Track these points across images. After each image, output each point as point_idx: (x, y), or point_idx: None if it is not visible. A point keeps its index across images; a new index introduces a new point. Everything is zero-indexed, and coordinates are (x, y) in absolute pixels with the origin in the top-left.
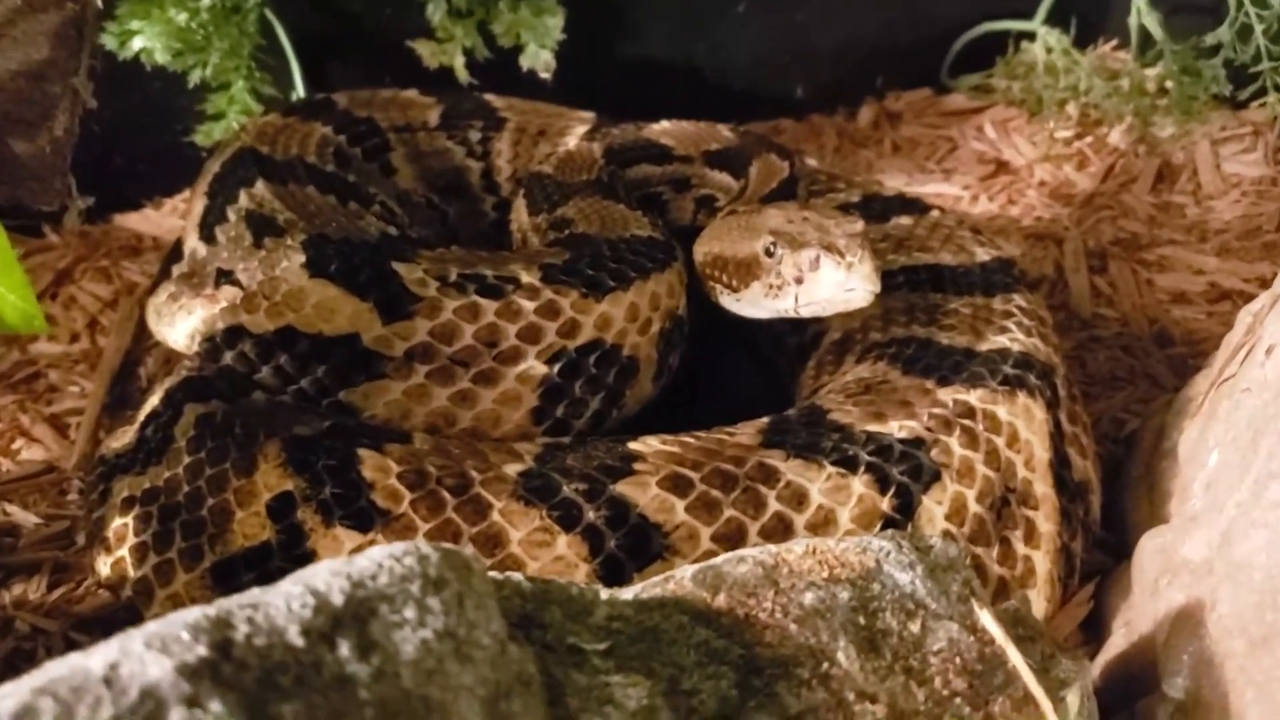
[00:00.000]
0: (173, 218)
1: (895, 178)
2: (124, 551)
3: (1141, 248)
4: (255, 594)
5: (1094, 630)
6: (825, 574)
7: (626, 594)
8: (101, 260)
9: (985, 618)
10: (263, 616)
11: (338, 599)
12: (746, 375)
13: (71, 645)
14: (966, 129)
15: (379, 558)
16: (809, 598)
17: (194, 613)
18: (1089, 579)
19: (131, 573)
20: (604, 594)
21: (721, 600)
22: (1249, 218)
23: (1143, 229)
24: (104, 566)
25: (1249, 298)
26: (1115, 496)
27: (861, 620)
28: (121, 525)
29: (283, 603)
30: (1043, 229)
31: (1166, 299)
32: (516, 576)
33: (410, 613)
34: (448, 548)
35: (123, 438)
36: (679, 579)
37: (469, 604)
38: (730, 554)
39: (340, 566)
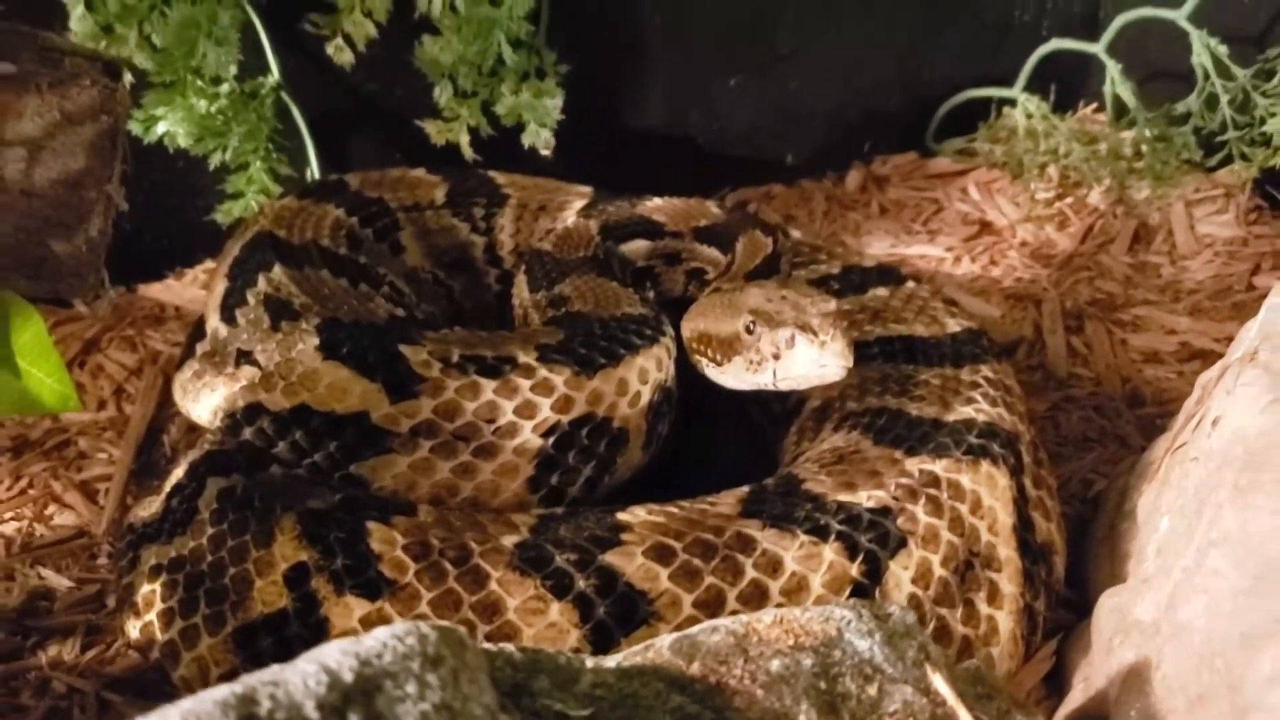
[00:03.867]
0: (193, 288)
1: (882, 239)
2: (152, 616)
3: (1117, 308)
4: (275, 671)
5: (1056, 684)
6: (791, 642)
7: (610, 662)
8: (127, 330)
9: (938, 681)
10: (283, 693)
11: (348, 676)
12: (735, 440)
13: (104, 705)
14: (951, 191)
15: (384, 637)
16: (775, 664)
17: (222, 691)
18: (1052, 635)
19: (159, 636)
20: (589, 662)
21: (696, 668)
22: (1220, 277)
23: (1119, 289)
24: (134, 630)
25: (1218, 358)
26: (1080, 556)
27: (823, 685)
28: (150, 591)
29: (300, 680)
30: (1022, 290)
31: (1140, 359)
32: (509, 648)
33: (412, 688)
34: (445, 626)
35: (150, 507)
36: (658, 648)
37: (463, 679)
38: (705, 624)
39: (350, 646)
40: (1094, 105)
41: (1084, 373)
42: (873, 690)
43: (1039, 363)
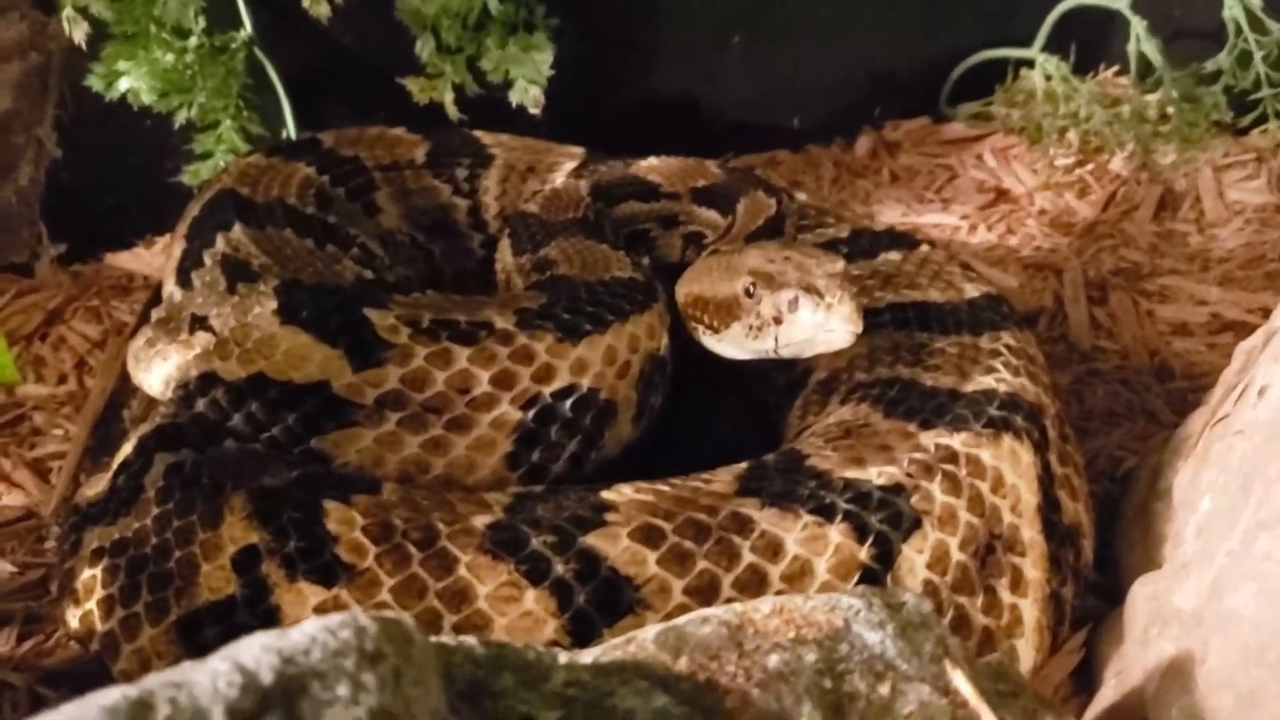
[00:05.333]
0: (163, 257)
1: (893, 208)
2: (92, 604)
3: (1143, 277)
4: (184, 670)
5: (1086, 679)
6: (791, 634)
7: (586, 657)
8: (92, 300)
9: (959, 679)
10: (186, 696)
11: (267, 676)
12: (735, 413)
13: (38, 700)
14: (966, 157)
15: (313, 631)
16: (773, 660)
17: (113, 694)
18: (1081, 625)
19: (99, 626)
20: (563, 658)
21: (683, 664)
22: (1252, 246)
23: (1144, 258)
24: (73, 619)
25: (1251, 329)
26: (1110, 538)
27: (828, 683)
28: (90, 577)
29: (208, 681)
30: (1042, 259)
31: (1167, 330)
32: (470, 641)
33: (344, 690)
34: (387, 618)
35: (97, 485)
36: (641, 640)
37: (406, 679)
38: (695, 614)
39: (272, 641)
40: (1116, 67)
41: (1109, 345)
42: (884, 689)
43: (1060, 334)
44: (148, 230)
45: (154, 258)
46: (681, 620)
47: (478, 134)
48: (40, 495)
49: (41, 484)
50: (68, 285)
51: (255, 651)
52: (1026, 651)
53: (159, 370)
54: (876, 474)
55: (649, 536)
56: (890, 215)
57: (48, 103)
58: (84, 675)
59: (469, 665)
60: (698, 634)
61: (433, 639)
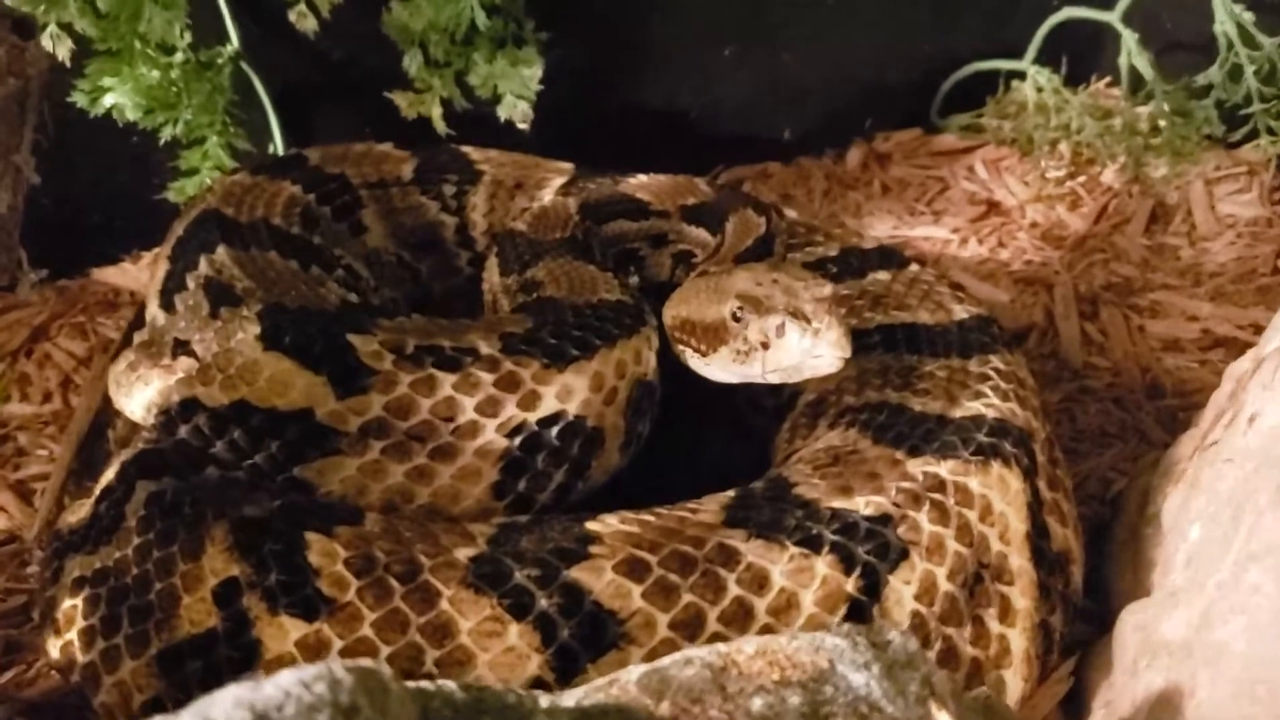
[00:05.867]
0: (149, 272)
1: (884, 220)
2: (73, 635)
3: (1134, 292)
4: None
5: (1075, 708)
6: (776, 676)
7: (569, 699)
8: (78, 316)
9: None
10: None
11: None
12: (722, 438)
13: None
14: (957, 169)
15: (287, 684)
16: (757, 703)
17: None
18: (1070, 652)
19: (80, 657)
20: (544, 701)
21: (665, 708)
22: (1244, 260)
23: (1135, 273)
24: (54, 649)
25: (1243, 346)
26: (1100, 562)
27: None
28: (71, 607)
29: None
30: (1033, 273)
31: (1159, 347)
32: (450, 686)
33: None
34: (363, 668)
35: (79, 512)
36: (624, 683)
37: None
38: (678, 655)
39: (245, 695)
40: (1108, 79)
41: (1100, 362)
42: None
43: (1051, 350)
44: (133, 246)
45: (140, 273)
46: (665, 662)
47: (465, 150)
48: (23, 518)
49: (24, 506)
50: (53, 301)
51: (227, 707)
52: (1015, 682)
53: (140, 395)
54: (864, 504)
55: (634, 569)
56: (881, 228)
57: (26, 128)
58: (65, 708)
59: (448, 711)
60: (680, 677)
61: (410, 684)
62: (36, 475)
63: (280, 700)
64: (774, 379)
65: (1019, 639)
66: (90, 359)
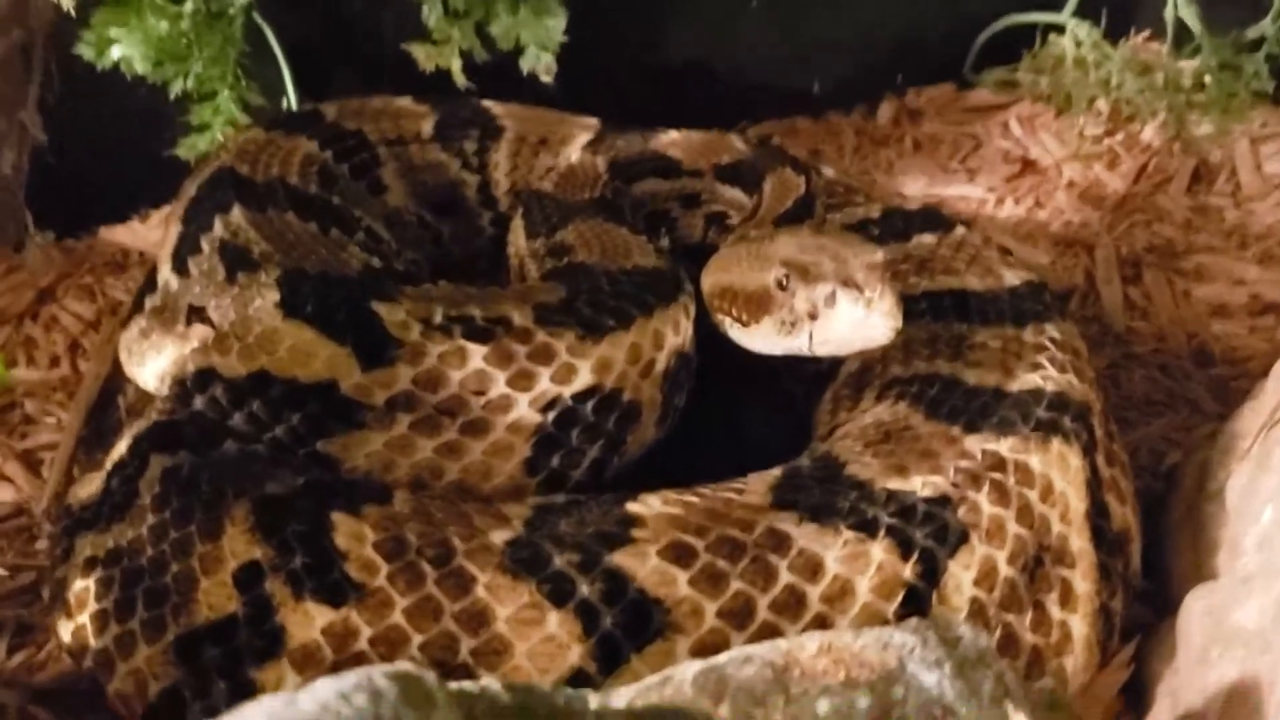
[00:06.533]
0: (159, 230)
1: (916, 179)
2: (85, 618)
3: (1178, 255)
4: None
5: (1136, 694)
6: (841, 676)
7: (619, 701)
8: (85, 277)
9: None
10: None
11: None
12: (761, 406)
13: None
14: (991, 126)
15: (325, 697)
16: (823, 706)
17: None
18: (1129, 635)
19: (93, 642)
20: (594, 701)
21: (725, 710)
22: None
23: (1178, 234)
24: (66, 632)
25: None
26: (1155, 539)
27: None
28: (83, 588)
29: None
30: (1072, 235)
31: (1205, 311)
32: (494, 688)
33: None
34: (407, 674)
35: (90, 485)
36: (678, 682)
37: None
38: (736, 652)
39: (279, 711)
40: (1148, 31)
41: (1144, 326)
42: None
43: (1093, 315)
44: (142, 203)
45: (149, 232)
46: (722, 659)
47: (487, 104)
48: (31, 490)
49: (33, 477)
50: (59, 261)
51: None
52: (1075, 671)
53: (153, 364)
54: (921, 484)
55: (679, 555)
56: (914, 187)
57: (31, 83)
58: (78, 694)
59: (491, 716)
60: (739, 676)
61: (453, 685)
62: (45, 444)
63: (317, 715)
64: (821, 351)
65: (1080, 625)
66: (98, 322)
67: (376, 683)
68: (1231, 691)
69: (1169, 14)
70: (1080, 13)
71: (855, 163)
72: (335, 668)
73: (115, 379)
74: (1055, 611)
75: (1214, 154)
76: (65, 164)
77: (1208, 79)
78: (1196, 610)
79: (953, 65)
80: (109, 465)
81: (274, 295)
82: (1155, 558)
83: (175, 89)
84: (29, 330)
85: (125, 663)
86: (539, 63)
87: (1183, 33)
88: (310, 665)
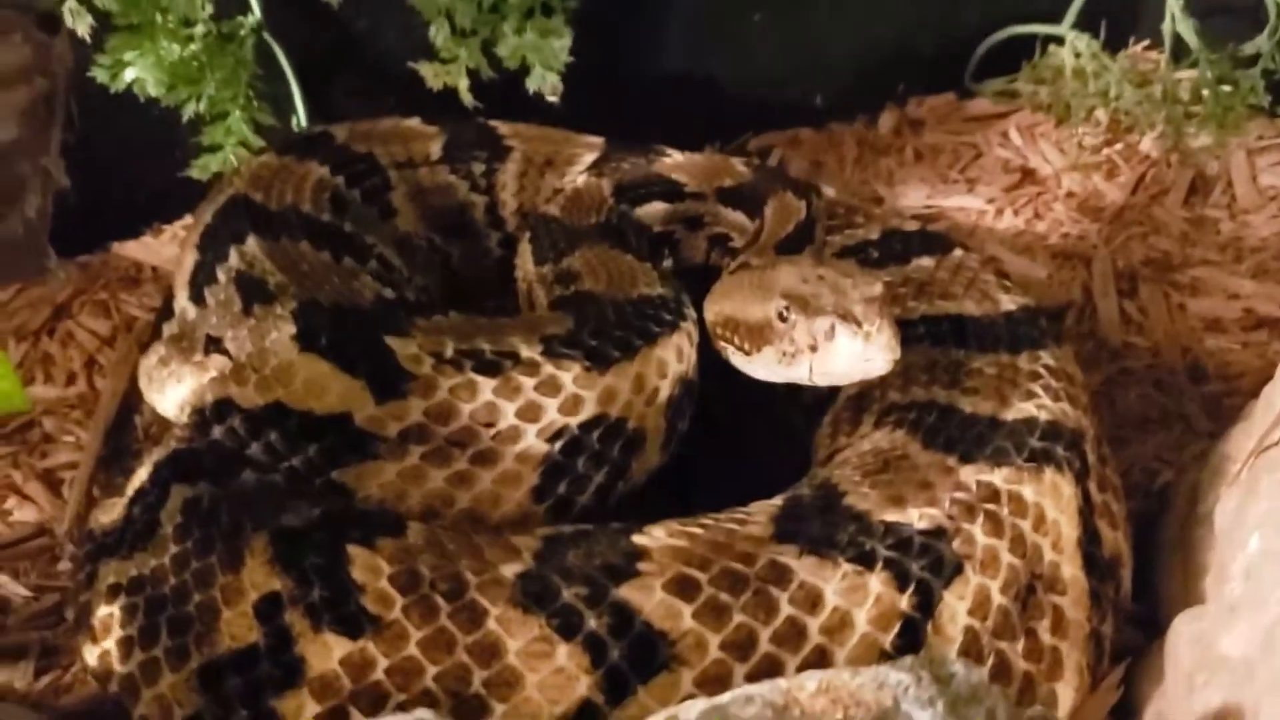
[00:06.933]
0: (172, 246)
1: (917, 189)
2: (110, 644)
3: (1174, 268)
4: None
5: (1124, 717)
6: (839, 716)
7: None
8: (100, 293)
9: None
10: None
11: None
12: (762, 428)
13: None
14: (991, 135)
15: None
16: None
17: None
18: (1118, 658)
19: (118, 667)
20: None
21: None
22: None
23: (1175, 247)
24: (91, 657)
25: None
26: (1146, 560)
27: None
28: (107, 614)
29: None
30: (1070, 247)
31: (1200, 326)
32: None
33: None
34: None
35: (112, 511)
36: None
37: None
38: (738, 692)
39: None
40: (1146, 42)
41: (1139, 341)
42: None
43: (1090, 329)
44: (155, 220)
45: (162, 247)
46: (725, 699)
47: (494, 124)
48: (52, 510)
49: (53, 498)
50: (75, 278)
51: None
52: (1066, 694)
53: (173, 393)
54: (918, 516)
55: (684, 588)
56: (914, 198)
57: (54, 128)
58: (104, 717)
59: None
60: (743, 716)
61: None
62: (64, 464)
63: None
64: (821, 382)
65: (1071, 651)
66: (114, 338)
67: None
68: (1215, 719)
69: (1167, 28)
70: (1080, 24)
71: (856, 173)
72: (353, 698)
73: (132, 398)
74: (1047, 638)
75: (1211, 166)
76: (80, 184)
77: (1205, 92)
78: (1184, 636)
79: (953, 76)
80: (130, 492)
81: (290, 328)
82: (1146, 579)
83: (188, 111)
84: (46, 346)
85: (150, 689)
86: (545, 83)
87: (1180, 45)
88: (329, 695)
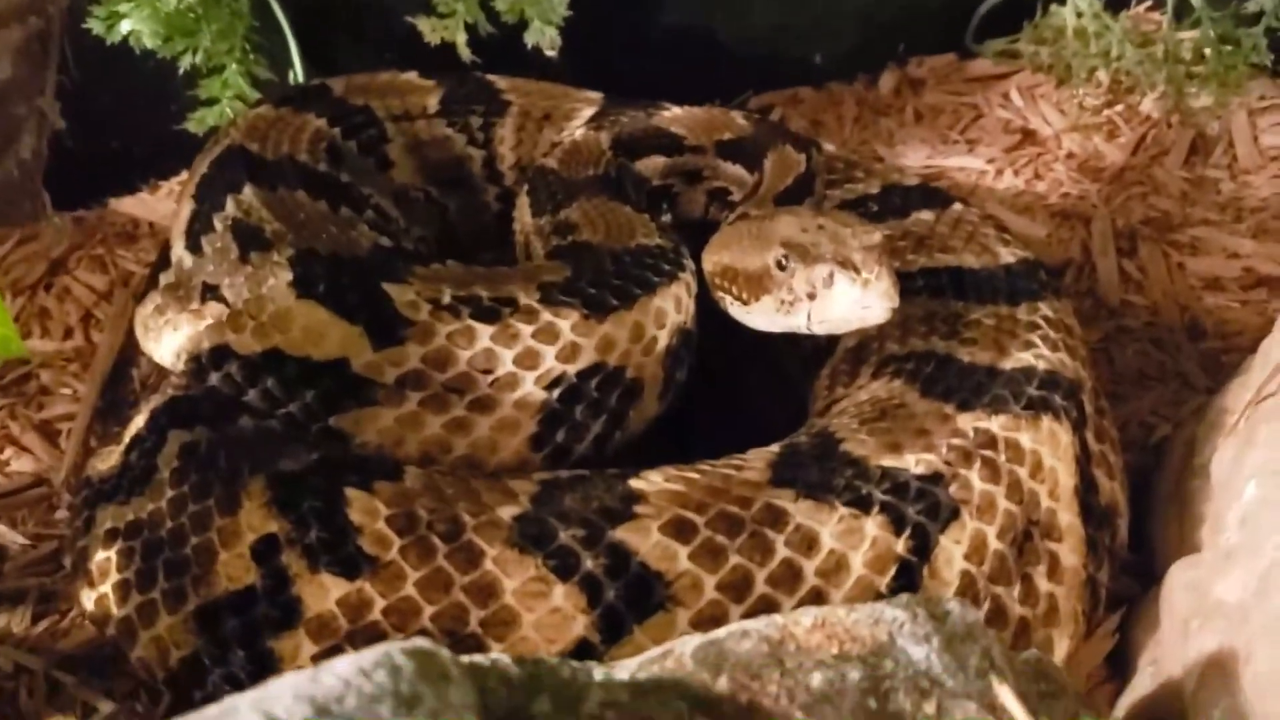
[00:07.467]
0: (169, 201)
1: (918, 150)
2: (107, 588)
3: (1173, 228)
4: (211, 717)
5: (1119, 664)
6: (834, 650)
7: (623, 672)
8: (96, 248)
9: (1005, 695)
10: None
11: None
12: (758, 378)
13: (55, 686)
14: (992, 96)
15: (346, 673)
16: (817, 679)
17: None
18: (1115, 607)
19: (115, 611)
20: (599, 674)
21: (724, 683)
22: None
23: (1174, 207)
24: (88, 601)
25: None
26: (1143, 512)
27: (873, 703)
28: (105, 559)
29: None
30: (1070, 207)
31: (1199, 285)
32: (504, 661)
33: None
34: (424, 650)
35: (109, 459)
36: (679, 655)
37: None
38: (734, 626)
39: (305, 687)
40: (1149, 2)
41: (1138, 300)
42: (930, 708)
43: (1088, 288)
44: (152, 175)
45: (158, 203)
46: (721, 633)
47: (492, 79)
48: (50, 460)
49: (51, 448)
50: (71, 232)
51: (287, 702)
52: (1061, 640)
53: (169, 341)
54: (914, 462)
55: (680, 530)
56: (915, 158)
57: (49, 69)
58: (101, 660)
59: (503, 689)
60: (737, 650)
61: (465, 659)
62: (61, 415)
63: (340, 691)
64: (820, 330)
65: (1067, 597)
66: (110, 293)
67: (395, 659)
68: (1209, 663)
69: None
70: None
71: (856, 133)
72: (350, 638)
73: (129, 351)
74: (1043, 584)
75: (1212, 126)
76: (76, 138)
77: (1207, 51)
78: (1180, 583)
79: (954, 36)
80: (127, 439)
81: (287, 275)
82: (1142, 530)
83: (184, 64)
84: (42, 301)
85: (147, 631)
86: (543, 36)
87: (1182, 5)
88: (325, 635)
